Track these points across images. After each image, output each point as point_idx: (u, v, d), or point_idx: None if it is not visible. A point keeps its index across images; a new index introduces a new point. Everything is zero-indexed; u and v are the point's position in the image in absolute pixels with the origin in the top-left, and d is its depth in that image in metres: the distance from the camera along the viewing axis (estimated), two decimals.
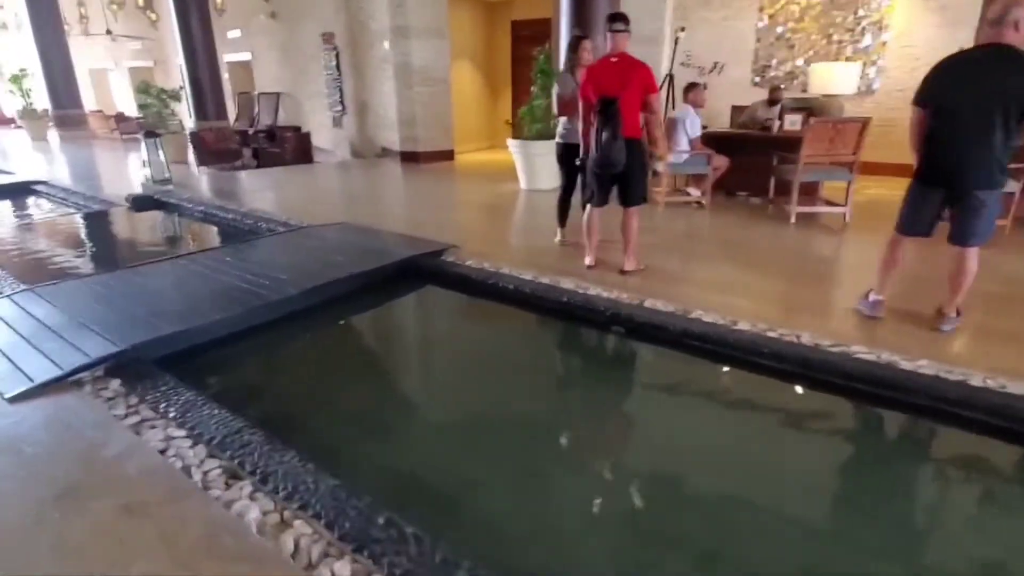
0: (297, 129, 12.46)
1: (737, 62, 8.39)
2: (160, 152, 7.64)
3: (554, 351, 3.76)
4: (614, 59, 3.74)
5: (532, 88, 6.84)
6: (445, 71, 9.46)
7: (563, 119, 4.56)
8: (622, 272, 4.07)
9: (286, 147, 10.78)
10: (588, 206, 4.14)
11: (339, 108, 12.03)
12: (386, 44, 9.28)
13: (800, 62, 8.22)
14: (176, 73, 18.99)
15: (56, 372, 2.63)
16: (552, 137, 6.89)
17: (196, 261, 4.32)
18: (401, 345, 3.86)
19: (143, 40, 19.29)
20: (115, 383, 2.63)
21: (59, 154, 13.96)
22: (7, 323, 3.18)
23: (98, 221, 6.64)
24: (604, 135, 3.65)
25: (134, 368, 2.76)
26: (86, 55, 20.56)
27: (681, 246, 5.06)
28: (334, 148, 12.48)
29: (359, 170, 9.49)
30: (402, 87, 9.30)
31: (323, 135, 12.48)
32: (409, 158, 9.63)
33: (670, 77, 7.20)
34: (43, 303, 3.46)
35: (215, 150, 11.17)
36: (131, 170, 11.22)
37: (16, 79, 16.43)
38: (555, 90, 4.51)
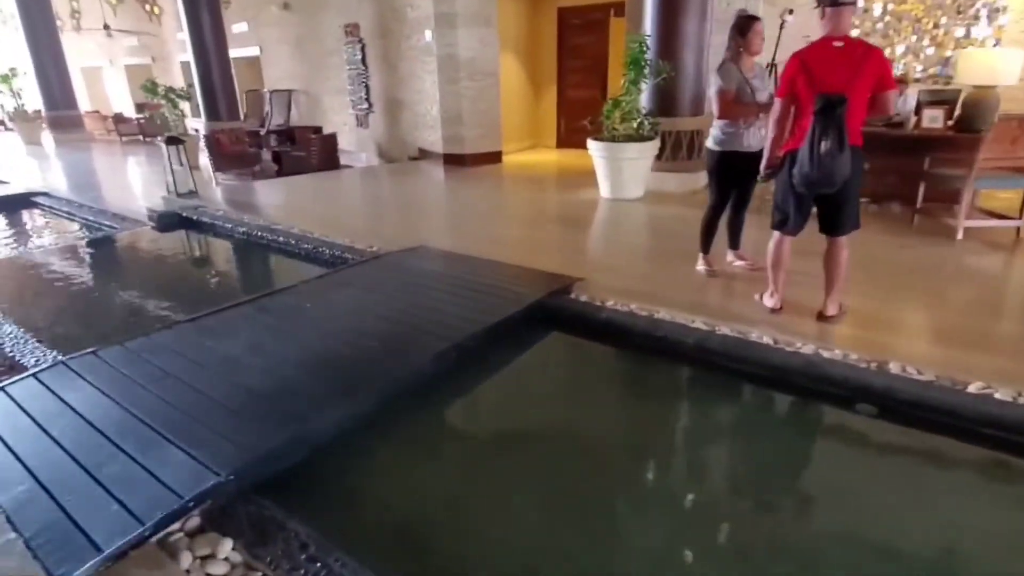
0: (318, 130, 11.46)
1: None
2: (184, 161, 6.66)
3: (787, 441, 2.61)
4: (838, 43, 2.82)
5: (623, 81, 5.89)
6: (494, 63, 8.50)
7: (721, 122, 3.63)
8: (822, 318, 3.17)
9: (311, 151, 9.78)
10: (777, 233, 3.22)
11: (364, 106, 11.04)
12: (428, 34, 8.30)
13: (902, 49, 7.31)
14: (177, 70, 17.93)
15: (132, 528, 1.70)
16: (644, 138, 5.99)
17: (268, 309, 3.38)
18: (556, 429, 2.75)
19: (140, 36, 18.16)
20: (224, 545, 1.70)
21: (56, 159, 12.89)
22: (39, 423, 2.24)
23: (120, 246, 5.65)
24: (824, 144, 2.73)
25: (244, 511, 1.84)
26: (78, 52, 19.37)
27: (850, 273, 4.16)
28: (358, 150, 11.50)
29: (399, 176, 8.50)
30: (446, 82, 8.32)
31: (345, 136, 11.49)
32: (453, 160, 8.67)
33: (773, 67, 6.27)
34: (82, 386, 2.52)
35: (232, 154, 10.16)
36: (139, 177, 10.22)
37: (6, 79, 15.31)
38: (713, 86, 3.58)
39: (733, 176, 3.70)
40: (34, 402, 2.39)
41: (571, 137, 10.20)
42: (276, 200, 6.95)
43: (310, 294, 3.65)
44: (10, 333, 3.28)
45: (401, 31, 9.13)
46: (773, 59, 6.33)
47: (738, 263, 4.05)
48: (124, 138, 16.43)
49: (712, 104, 3.65)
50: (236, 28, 14.26)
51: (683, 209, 5.69)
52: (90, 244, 5.53)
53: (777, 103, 3.05)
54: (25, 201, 8.60)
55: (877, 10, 7.51)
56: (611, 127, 6.08)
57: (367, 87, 10.80)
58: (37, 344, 3.10)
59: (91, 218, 7.18)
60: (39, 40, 14.97)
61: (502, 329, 3.21)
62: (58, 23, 16.10)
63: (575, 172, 8.30)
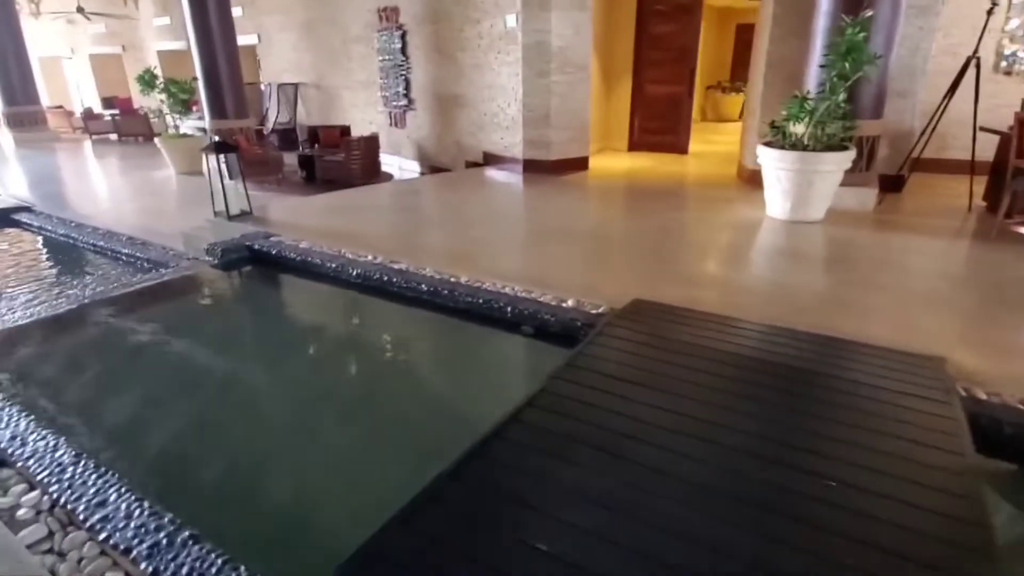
0: (346, 130, 9.91)
1: None
2: (236, 174, 5.15)
3: None
4: None
5: (830, 81, 4.66)
6: (586, 54, 7.17)
7: None
8: None
9: (351, 155, 8.27)
10: None
11: (402, 103, 9.57)
12: (511, 18, 6.92)
13: None
14: (152, 61, 15.94)
15: None
16: (839, 147, 4.67)
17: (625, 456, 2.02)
18: None
19: (109, 21, 16.08)
20: None
21: (21, 163, 10.94)
22: None
23: (176, 302, 4.11)
24: None
25: None
26: (35, 41, 17.11)
27: None
28: (390, 152, 10.01)
29: (484, 189, 6.92)
30: (533, 75, 6.96)
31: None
32: (536, 168, 7.32)
33: (976, 61, 5.17)
34: None
35: (251, 160, 8.56)
36: (138, 187, 8.50)
37: None
38: None
39: None
40: None
41: (646, 139, 9.00)
42: (354, 223, 5.46)
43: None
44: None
45: (466, 15, 7.71)
46: (975, 52, 5.26)
47: None
48: (95, 136, 14.42)
49: None
50: None
51: (908, 236, 4.55)
52: (141, 295, 3.95)
53: None
54: (3, 219, 6.87)
55: None
56: (790, 133, 4.86)
57: (407, 81, 9.33)
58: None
59: (101, 244, 5.57)
60: None
61: None
62: (16, 6, 13.99)
63: (683, 182, 7.08)
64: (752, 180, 6.43)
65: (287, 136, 12.53)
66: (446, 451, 1.91)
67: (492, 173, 7.66)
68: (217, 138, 9.82)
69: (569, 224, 5.27)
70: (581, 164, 7.55)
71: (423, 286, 3.67)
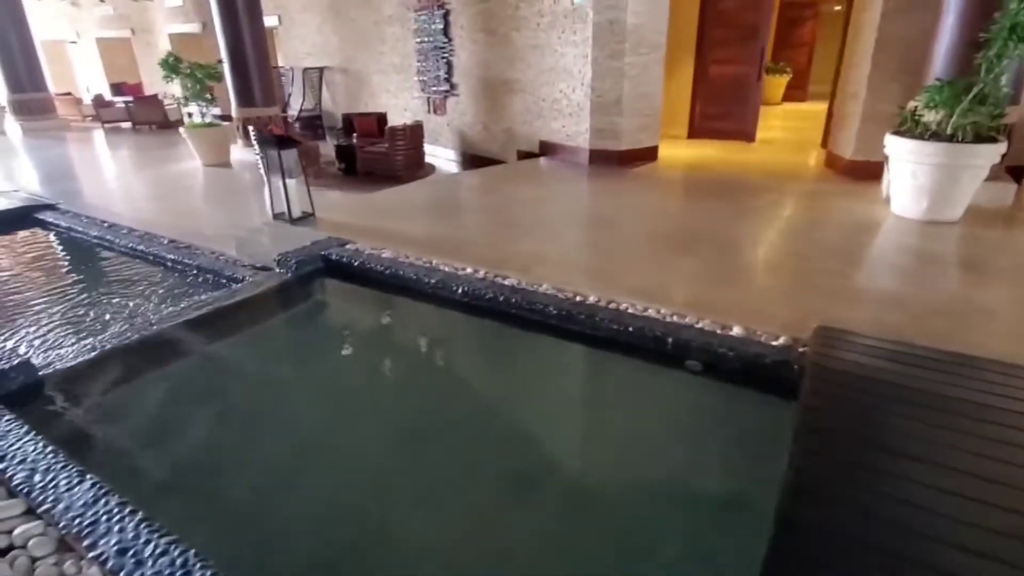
0: (383, 118, 9.26)
1: None
2: (299, 171, 4.56)
3: None
4: None
5: (986, 61, 4.05)
6: (661, 32, 6.53)
7: None
8: None
9: (396, 145, 7.66)
10: None
11: (443, 88, 8.93)
12: None
13: None
14: (164, 45, 15.21)
15: None
16: (988, 138, 4.06)
17: None
18: None
19: (116, 1, 15.32)
20: None
21: (34, 154, 10.33)
22: None
23: (258, 324, 3.54)
24: None
25: None
26: (37, 24, 16.36)
27: None
28: (430, 140, 9.38)
29: (552, 183, 6.22)
30: (605, 56, 6.32)
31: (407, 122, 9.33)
32: (603, 158, 6.71)
33: None
34: None
35: None
36: (167, 180, 7.90)
37: None
38: None
39: None
40: None
41: (708, 126, 8.38)
42: (430, 226, 4.86)
43: None
44: None
45: None
46: None
47: None
48: (107, 124, 13.76)
49: None
50: None
51: None
52: (218, 315, 3.37)
53: None
54: (24, 218, 6.30)
55: None
56: (926, 121, 4.26)
57: (449, 64, 8.68)
58: None
59: (140, 248, 5.01)
60: None
61: None
62: None
63: (767, 173, 6.48)
64: (851, 172, 5.85)
65: (311, 124, 11.89)
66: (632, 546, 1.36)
67: (553, 165, 7.05)
68: (275, 130, 9.21)
69: (678, 227, 4.69)
70: (650, 154, 6.95)
71: (551, 308, 3.11)
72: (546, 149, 7.37)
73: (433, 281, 3.51)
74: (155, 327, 3.11)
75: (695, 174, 6.51)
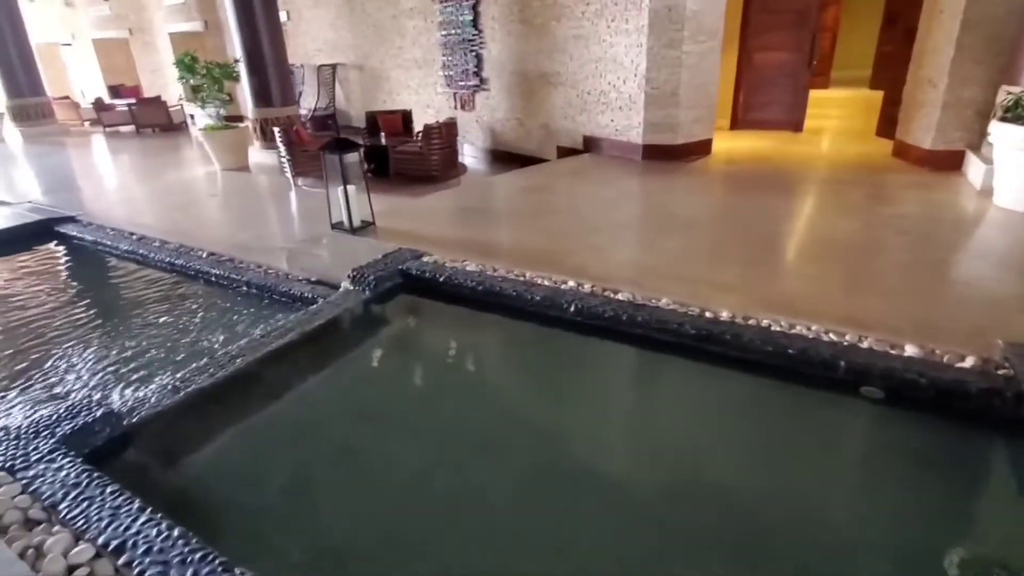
0: (407, 115, 8.86)
1: None
2: (360, 177, 4.18)
3: None
4: None
5: None
6: (719, 17, 6.16)
7: None
8: None
9: (431, 145, 7.26)
10: None
11: (471, 82, 8.53)
12: None
13: None
14: (164, 46, 14.71)
15: None
16: None
17: None
18: None
19: (112, 1, 14.78)
20: None
21: (38, 161, 9.85)
22: None
23: (351, 351, 3.15)
24: None
25: None
26: (30, 27, 15.82)
27: None
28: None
29: (615, 180, 5.68)
30: (662, 45, 5.94)
31: (431, 120, 8.92)
32: (658, 153, 6.35)
33: None
34: None
35: (315, 154, 7.53)
36: (177, 185, 7.48)
37: None
38: None
39: None
40: None
41: (752, 116, 8.03)
42: (500, 233, 4.47)
43: None
44: None
45: None
46: None
47: None
48: (108, 128, 13.27)
49: None
50: None
51: None
52: (303, 342, 2.98)
53: None
54: (43, 233, 5.88)
55: None
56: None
57: (478, 57, 8.28)
58: None
59: (179, 263, 4.62)
60: None
61: None
62: None
63: (834, 165, 6.14)
64: (928, 162, 5.52)
65: (323, 123, 11.46)
66: None
67: (602, 161, 6.67)
68: (254, 128, 8.79)
69: (777, 229, 4.31)
70: (705, 148, 6.59)
71: (687, 327, 2.75)
72: (591, 145, 6.99)
73: (537, 298, 3.14)
74: (238, 360, 2.72)
75: (759, 167, 6.14)
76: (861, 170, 5.79)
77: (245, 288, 4.19)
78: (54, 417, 2.18)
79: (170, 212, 6.40)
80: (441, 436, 2.40)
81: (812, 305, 2.97)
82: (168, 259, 4.75)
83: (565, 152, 7.33)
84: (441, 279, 3.43)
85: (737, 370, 2.63)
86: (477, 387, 2.84)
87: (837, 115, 9.33)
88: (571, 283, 3.28)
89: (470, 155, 8.82)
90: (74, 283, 4.89)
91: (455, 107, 8.93)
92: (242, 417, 2.52)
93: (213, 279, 4.41)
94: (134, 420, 2.29)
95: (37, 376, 3.06)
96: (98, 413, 2.19)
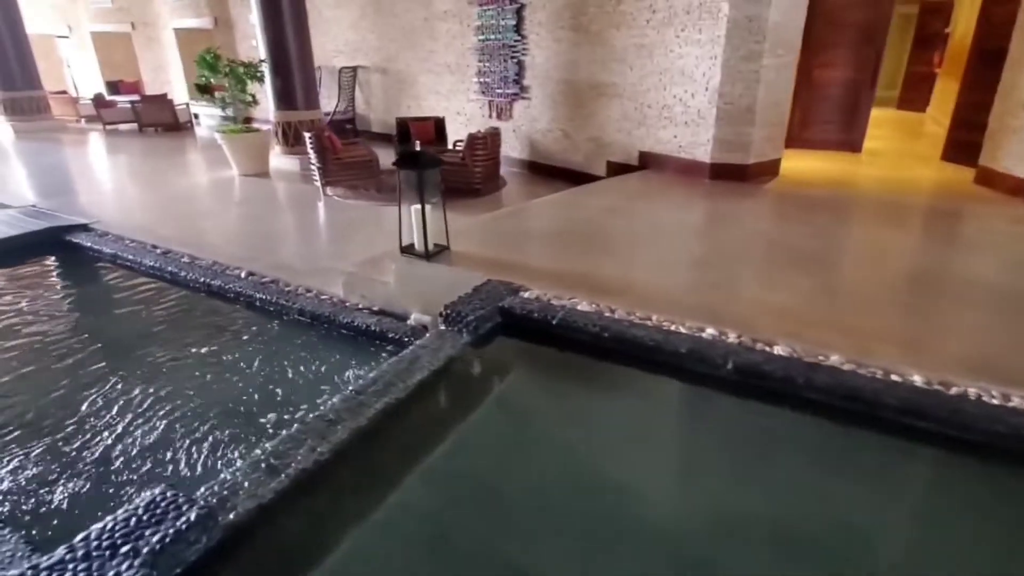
0: (441, 122, 8.35)
1: None
2: (437, 193, 3.65)
3: None
4: None
5: None
6: (798, 30, 5.74)
7: None
8: None
9: (475, 156, 6.77)
10: None
11: (510, 91, 8.05)
12: None
13: None
14: (169, 41, 14.08)
15: None
16: None
17: None
18: None
19: None
20: None
21: (34, 159, 9.18)
22: None
23: (469, 411, 2.62)
24: None
25: None
26: (25, 17, 15.11)
27: None
28: None
29: (695, 202, 5.12)
30: (738, 57, 5.50)
31: (459, 130, 8.43)
32: (726, 173, 5.90)
33: None
34: None
35: (348, 161, 7.02)
36: (195, 192, 6.89)
37: None
38: None
39: None
40: None
41: (809, 135, 7.64)
42: (590, 264, 3.96)
43: None
44: None
45: None
46: None
47: None
48: (108, 126, 12.60)
49: None
50: None
51: None
52: (412, 399, 2.43)
53: None
54: (52, 242, 5.28)
55: None
56: None
57: (519, 64, 7.80)
58: None
59: (215, 283, 4.07)
60: None
61: None
62: None
63: (913, 191, 5.74)
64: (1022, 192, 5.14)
65: (341, 128, 10.90)
66: None
67: (663, 179, 6.20)
68: (274, 132, 8.24)
69: (910, 266, 3.84)
70: (774, 168, 6.16)
71: (886, 397, 2.26)
72: (648, 161, 6.53)
73: (682, 350, 2.63)
74: (339, 428, 2.18)
75: (840, 192, 5.69)
76: (951, 199, 5.39)
77: (298, 317, 3.65)
78: (132, 520, 1.62)
79: (192, 221, 5.83)
80: (608, 535, 1.87)
81: (1008, 365, 2.50)
82: (203, 278, 4.19)
83: (616, 167, 6.87)
84: (554, 321, 2.91)
85: (959, 453, 2.15)
86: (641, 463, 2.31)
87: (880, 135, 8.98)
88: (710, 330, 2.78)
89: (504, 166, 8.32)
90: (89, 303, 4.30)
91: (489, 115, 8.44)
92: (358, 508, 1.98)
93: (257, 303, 3.87)
94: (231, 517, 1.74)
95: (73, 436, 2.49)
96: (191, 515, 1.63)
